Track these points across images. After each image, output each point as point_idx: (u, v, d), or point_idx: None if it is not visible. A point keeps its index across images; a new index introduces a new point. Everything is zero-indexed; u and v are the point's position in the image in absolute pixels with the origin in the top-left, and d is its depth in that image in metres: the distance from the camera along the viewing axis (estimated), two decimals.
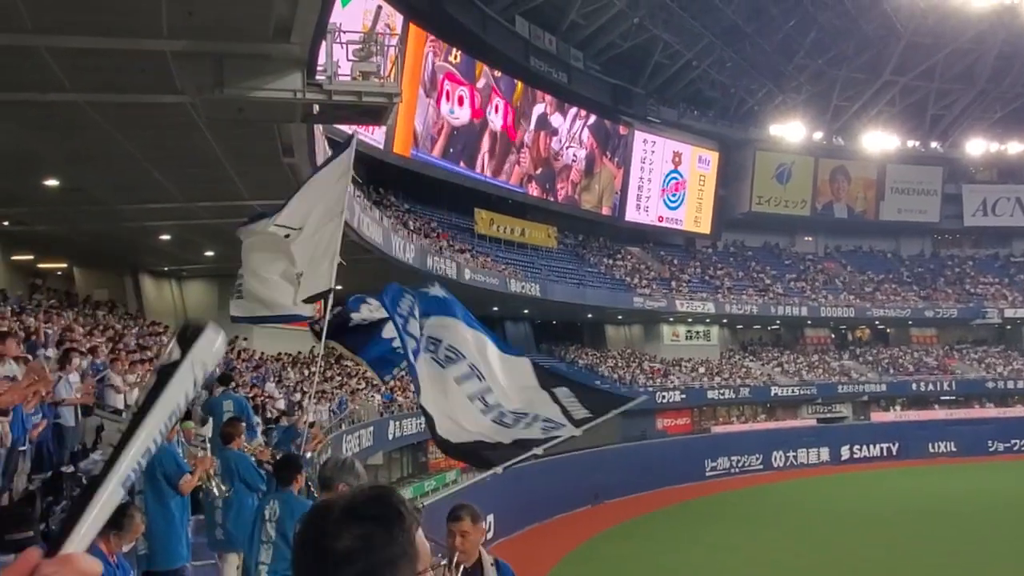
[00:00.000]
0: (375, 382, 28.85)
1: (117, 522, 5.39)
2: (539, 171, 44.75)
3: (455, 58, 38.29)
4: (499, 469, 6.33)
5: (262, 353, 23.68)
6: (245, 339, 24.36)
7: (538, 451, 6.23)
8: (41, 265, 23.54)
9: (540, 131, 44.21)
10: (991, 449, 47.87)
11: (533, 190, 44.64)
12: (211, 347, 1.45)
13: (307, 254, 7.44)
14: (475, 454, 6.20)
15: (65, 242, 20.54)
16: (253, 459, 8.69)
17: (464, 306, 6.45)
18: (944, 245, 62.66)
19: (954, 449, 47.93)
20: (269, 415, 15.63)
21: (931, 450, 47.90)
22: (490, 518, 29.90)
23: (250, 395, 14.97)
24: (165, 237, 20.62)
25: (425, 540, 1.58)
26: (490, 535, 29.60)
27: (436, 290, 6.44)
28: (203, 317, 1.49)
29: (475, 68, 39.60)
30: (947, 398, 51.08)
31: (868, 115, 56.26)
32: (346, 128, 27.03)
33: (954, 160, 59.38)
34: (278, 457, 8.41)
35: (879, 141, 56.61)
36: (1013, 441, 48.44)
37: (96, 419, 11.62)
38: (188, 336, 1.42)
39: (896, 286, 56.91)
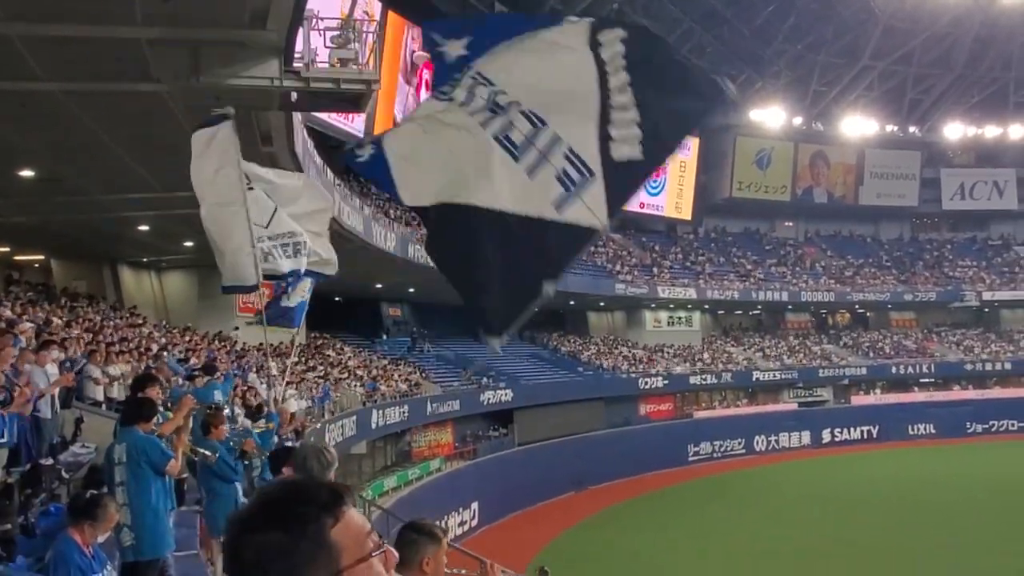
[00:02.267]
0: (358, 371, 28.83)
1: (91, 513, 5.36)
2: None
3: None
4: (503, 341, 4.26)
5: (244, 344, 23.58)
6: (236, 329, 24.30)
7: (551, 291, 4.01)
8: (17, 257, 23.31)
9: None
10: (969, 431, 48.42)
11: None
12: None
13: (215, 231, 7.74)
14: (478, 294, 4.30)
15: (41, 234, 20.32)
16: (232, 447, 8.68)
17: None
18: (923, 229, 63.14)
19: (933, 431, 48.43)
20: (250, 404, 15.54)
21: (911, 432, 48.38)
22: (474, 505, 30.03)
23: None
24: (144, 228, 20.45)
25: (357, 520, 1.50)
26: (475, 522, 29.73)
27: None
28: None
29: None
30: (926, 381, 51.57)
31: (847, 100, 56.50)
32: (323, 115, 26.92)
33: (932, 144, 59.78)
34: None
35: (858, 126, 56.90)
36: (991, 422, 49.04)
37: (75, 411, 11.53)
38: None
39: (875, 270, 57.33)
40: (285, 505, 1.46)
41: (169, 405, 9.44)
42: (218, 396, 12.03)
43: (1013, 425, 48.90)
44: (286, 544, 1.42)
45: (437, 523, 3.73)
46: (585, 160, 3.78)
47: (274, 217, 7.99)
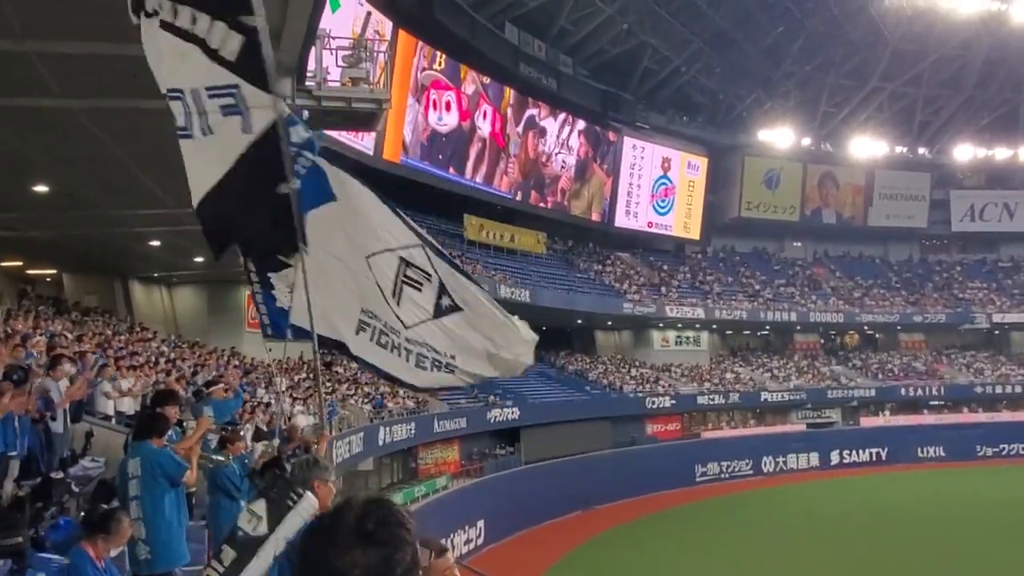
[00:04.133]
0: (366, 388, 28.88)
1: (105, 527, 5.41)
2: (529, 177, 44.83)
3: (440, 64, 38.35)
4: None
5: (252, 359, 23.65)
6: (233, 346, 24.37)
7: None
8: (30, 271, 23.48)
9: (529, 132, 44.28)
10: (979, 454, 48.10)
11: (522, 196, 44.69)
12: (302, 520, 1.50)
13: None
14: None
15: (54, 248, 20.48)
16: (246, 464, 8.72)
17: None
18: (932, 250, 62.97)
19: (943, 454, 48.13)
20: (259, 422, 15.58)
21: (920, 455, 48.09)
22: (480, 524, 29.94)
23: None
24: (155, 243, 20.59)
25: (450, 558, 1.62)
26: (480, 541, 29.63)
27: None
28: (299, 479, 1.53)
29: (459, 71, 39.68)
30: (936, 403, 51.28)
31: (856, 121, 56.56)
32: (334, 134, 27.10)
33: (942, 166, 59.73)
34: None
35: (867, 147, 56.93)
36: (1001, 445, 48.69)
37: (86, 424, 11.59)
38: (275, 497, 1.46)
39: (885, 291, 57.17)
40: (394, 525, 1.56)
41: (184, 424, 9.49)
42: (208, 412, 11.98)
43: (1023, 449, 48.59)
44: (395, 562, 1.53)
45: (443, 540, 3.85)
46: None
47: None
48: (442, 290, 5.32)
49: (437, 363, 5.45)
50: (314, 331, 5.10)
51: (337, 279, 5.31)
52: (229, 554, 2.08)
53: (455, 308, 5.37)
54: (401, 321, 5.36)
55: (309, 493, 2.05)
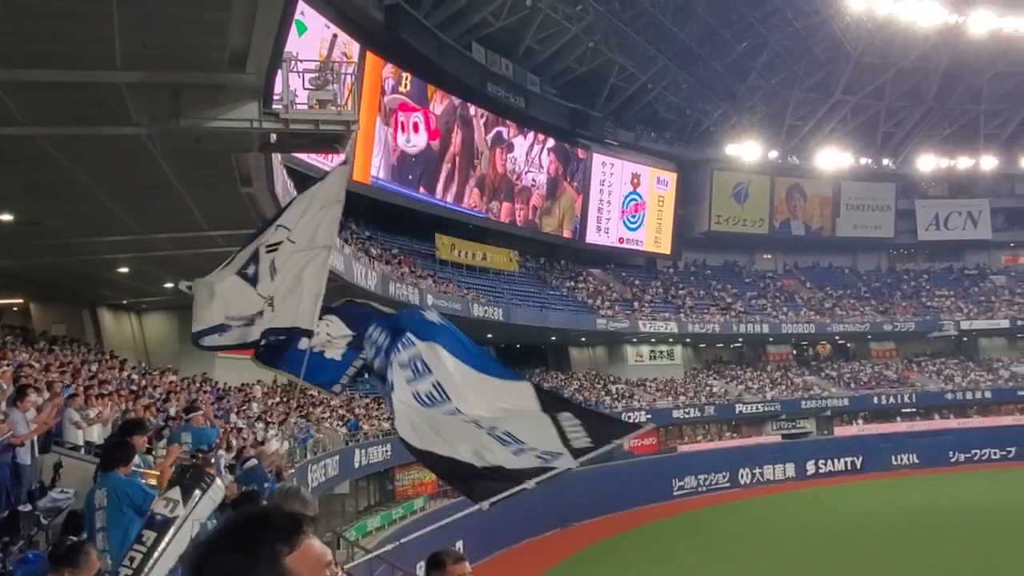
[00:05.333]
0: (340, 410, 28.67)
1: (72, 560, 5.31)
2: (499, 195, 44.92)
3: (405, 86, 38.37)
4: (485, 505, 5.76)
5: (224, 383, 23.42)
6: (204, 373, 24.13)
7: (531, 484, 5.76)
8: None
9: (497, 148, 44.38)
10: (952, 460, 48.58)
11: (493, 214, 44.76)
12: (213, 504, 1.51)
13: (288, 276, 6.66)
14: (461, 477, 5.80)
15: (21, 277, 20.23)
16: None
17: (457, 334, 5.93)
18: (900, 260, 63.79)
19: (916, 461, 48.56)
20: (233, 446, 15.41)
21: (894, 462, 48.49)
22: (459, 544, 29.68)
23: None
24: (123, 270, 20.38)
25: (316, 550, 1.58)
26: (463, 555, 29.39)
27: (431, 315, 6.08)
28: (206, 461, 1.55)
29: (427, 90, 39.73)
30: (908, 410, 51.80)
31: (821, 133, 57.32)
32: (304, 156, 27.04)
33: (906, 176, 60.63)
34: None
35: (833, 159, 57.69)
36: (973, 451, 49.23)
37: (54, 456, 11.42)
38: (188, 483, 1.47)
39: (855, 301, 57.77)
40: (246, 530, 1.54)
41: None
42: (186, 438, 11.86)
43: (995, 454, 49.14)
44: (243, 567, 1.50)
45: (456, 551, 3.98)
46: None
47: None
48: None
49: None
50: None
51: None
52: (150, 536, 2.12)
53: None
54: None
55: (219, 479, 2.10)
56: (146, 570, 1.92)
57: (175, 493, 1.95)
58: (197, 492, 2.14)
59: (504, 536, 32.34)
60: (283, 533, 1.55)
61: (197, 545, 1.58)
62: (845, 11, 49.83)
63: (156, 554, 2.02)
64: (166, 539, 1.95)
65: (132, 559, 2.19)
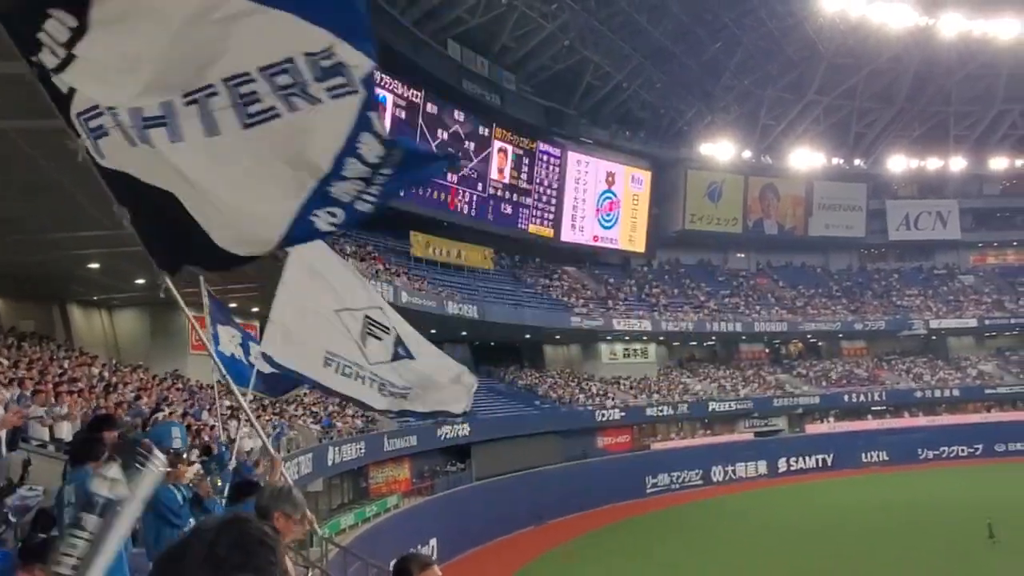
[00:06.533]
0: (314, 408, 28.55)
1: (43, 556, 5.25)
2: (475, 193, 44.81)
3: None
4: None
5: (197, 381, 23.24)
6: (175, 370, 23.95)
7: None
8: None
9: (469, 144, 44.29)
10: (921, 457, 49.20)
11: (468, 211, 44.63)
12: (156, 479, 1.40)
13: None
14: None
15: None
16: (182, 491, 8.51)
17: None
18: (870, 259, 64.45)
19: (886, 458, 49.12)
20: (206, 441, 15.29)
21: (864, 460, 49.02)
22: (432, 542, 29.73)
23: (185, 423, 14.67)
24: (94, 265, 20.13)
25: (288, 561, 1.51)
26: (433, 559, 29.37)
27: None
28: (143, 439, 1.49)
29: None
30: (878, 408, 52.37)
31: (794, 133, 57.78)
32: None
33: (877, 176, 61.25)
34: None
35: (806, 159, 58.18)
36: (942, 448, 49.89)
37: (22, 453, 11.27)
38: (126, 459, 1.37)
39: (826, 300, 58.30)
40: (249, 548, 1.44)
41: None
42: (176, 432, 11.78)
43: (963, 451, 49.83)
44: None
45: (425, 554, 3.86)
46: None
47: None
48: (398, 342, 6.85)
49: (394, 393, 6.83)
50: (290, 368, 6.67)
51: (306, 324, 6.58)
52: (91, 520, 2.02)
53: (409, 356, 6.90)
54: (366, 358, 6.70)
55: (157, 451, 1.98)
56: (96, 559, 1.83)
57: (114, 471, 1.82)
58: (138, 467, 2.01)
59: (478, 534, 32.40)
60: (275, 542, 1.47)
61: (176, 555, 1.44)
62: (818, 12, 50.27)
63: (105, 541, 1.93)
64: (115, 521, 1.83)
65: (73, 545, 2.09)
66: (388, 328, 6.83)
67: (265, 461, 12.42)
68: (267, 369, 7.26)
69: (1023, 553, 26.60)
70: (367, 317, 6.76)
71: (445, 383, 7.13)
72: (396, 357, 6.83)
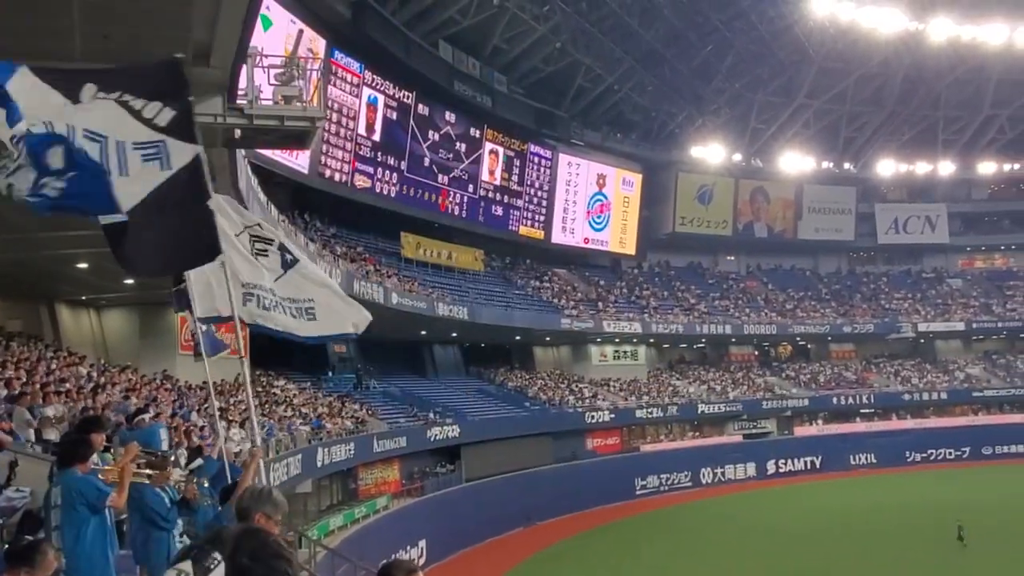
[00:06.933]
0: (303, 409, 28.48)
1: (29, 559, 5.21)
2: (466, 194, 44.77)
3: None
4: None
5: (186, 381, 23.15)
6: (165, 370, 23.85)
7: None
8: None
9: (460, 145, 44.26)
10: (909, 459, 49.44)
11: (459, 213, 44.59)
12: None
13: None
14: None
15: None
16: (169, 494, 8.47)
17: None
18: (859, 262, 64.70)
19: (874, 460, 49.33)
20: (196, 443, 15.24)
21: (852, 462, 49.22)
22: (421, 543, 29.71)
23: (173, 425, 14.63)
24: (82, 265, 20.03)
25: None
26: (422, 560, 29.37)
27: None
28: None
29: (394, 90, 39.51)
30: (866, 411, 52.57)
31: (784, 137, 57.94)
32: (268, 152, 26.82)
33: (866, 180, 61.51)
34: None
35: (796, 162, 58.34)
36: (929, 451, 50.14)
37: (9, 454, 11.20)
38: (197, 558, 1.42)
39: (815, 303, 58.50)
40: (272, 565, 1.54)
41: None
42: (164, 435, 11.77)
43: (950, 453, 50.09)
44: None
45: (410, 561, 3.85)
46: None
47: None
48: (283, 248, 7.41)
49: (300, 310, 7.31)
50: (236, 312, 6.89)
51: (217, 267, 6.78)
52: None
53: (295, 259, 7.49)
54: (266, 278, 7.19)
55: (218, 556, 2.01)
56: None
57: (187, 567, 1.88)
58: (208, 567, 2.05)
59: (467, 535, 32.37)
60: (290, 555, 1.58)
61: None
62: (808, 16, 50.41)
63: None
64: None
65: None
66: (271, 239, 7.43)
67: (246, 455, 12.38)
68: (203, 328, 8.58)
69: (991, 556, 26.83)
70: (251, 235, 7.34)
71: (340, 292, 7.86)
72: (285, 264, 7.40)
